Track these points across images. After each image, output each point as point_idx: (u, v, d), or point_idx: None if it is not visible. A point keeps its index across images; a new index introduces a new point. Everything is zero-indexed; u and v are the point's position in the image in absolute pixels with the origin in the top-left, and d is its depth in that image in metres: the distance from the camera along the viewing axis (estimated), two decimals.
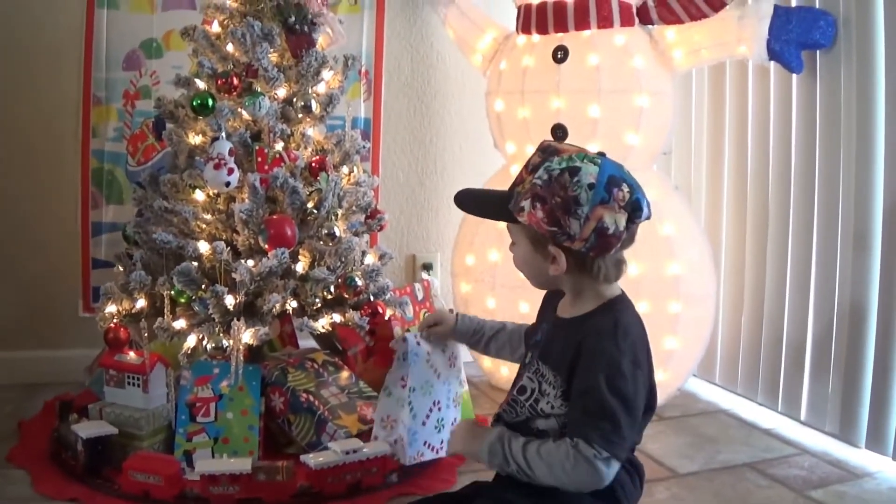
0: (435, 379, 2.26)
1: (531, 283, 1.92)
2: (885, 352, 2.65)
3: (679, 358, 3.00)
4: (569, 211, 1.70)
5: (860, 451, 2.74)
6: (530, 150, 2.98)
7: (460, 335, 2.22)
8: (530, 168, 1.78)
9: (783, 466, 2.63)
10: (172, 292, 2.45)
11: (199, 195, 2.57)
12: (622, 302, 1.85)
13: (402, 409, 2.21)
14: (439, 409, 2.28)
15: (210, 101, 2.51)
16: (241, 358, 2.43)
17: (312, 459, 2.26)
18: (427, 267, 3.67)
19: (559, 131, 2.93)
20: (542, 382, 1.82)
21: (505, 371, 3.18)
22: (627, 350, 1.74)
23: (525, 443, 1.76)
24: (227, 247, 2.48)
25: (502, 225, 2.98)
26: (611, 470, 1.67)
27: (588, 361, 1.73)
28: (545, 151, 1.78)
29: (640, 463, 1.91)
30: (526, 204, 1.74)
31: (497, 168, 3.30)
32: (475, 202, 1.99)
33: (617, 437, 1.69)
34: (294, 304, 2.52)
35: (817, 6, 2.86)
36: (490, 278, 3.10)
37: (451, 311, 3.20)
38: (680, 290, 2.91)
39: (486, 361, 3.25)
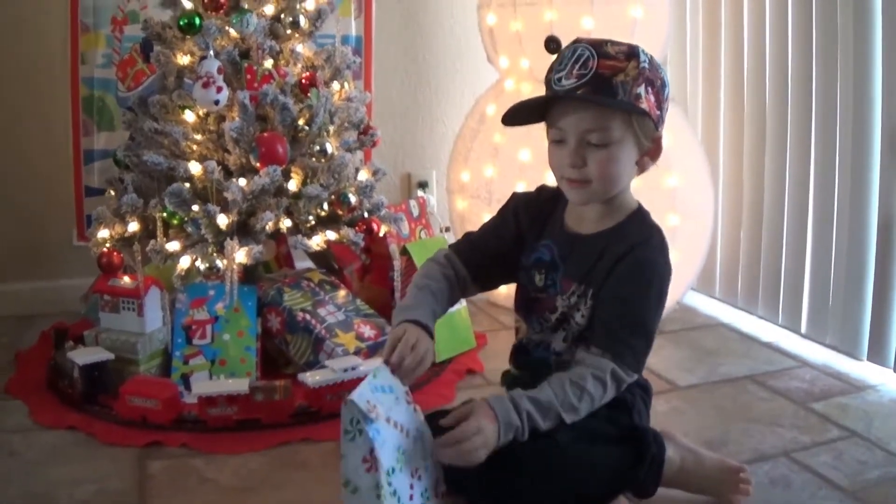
0: (403, 439, 1.54)
1: (596, 193, 1.70)
2: (886, 264, 2.64)
3: (677, 271, 2.88)
4: (664, 93, 1.67)
5: (861, 363, 2.74)
6: (525, 63, 3.00)
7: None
8: (622, 55, 1.63)
9: (784, 379, 2.63)
10: (165, 214, 2.43)
11: (188, 115, 2.53)
12: (647, 212, 1.79)
13: None
14: (419, 476, 1.56)
15: (197, 20, 2.47)
16: (236, 278, 2.42)
17: (310, 378, 2.26)
18: (422, 185, 3.63)
19: (552, 44, 2.84)
20: (572, 297, 1.75)
21: (503, 287, 3.14)
22: (670, 267, 1.72)
23: (540, 398, 1.58)
24: (218, 166, 2.45)
25: (498, 139, 3.00)
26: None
27: (638, 270, 1.68)
28: (585, 42, 1.70)
29: (650, 386, 1.88)
30: (641, 90, 1.62)
31: (491, 82, 3.28)
32: (584, 102, 1.65)
33: (645, 358, 1.68)
34: (288, 222, 2.51)
35: None
36: (486, 194, 3.07)
37: (446, 228, 3.19)
38: (677, 203, 2.88)
39: None
